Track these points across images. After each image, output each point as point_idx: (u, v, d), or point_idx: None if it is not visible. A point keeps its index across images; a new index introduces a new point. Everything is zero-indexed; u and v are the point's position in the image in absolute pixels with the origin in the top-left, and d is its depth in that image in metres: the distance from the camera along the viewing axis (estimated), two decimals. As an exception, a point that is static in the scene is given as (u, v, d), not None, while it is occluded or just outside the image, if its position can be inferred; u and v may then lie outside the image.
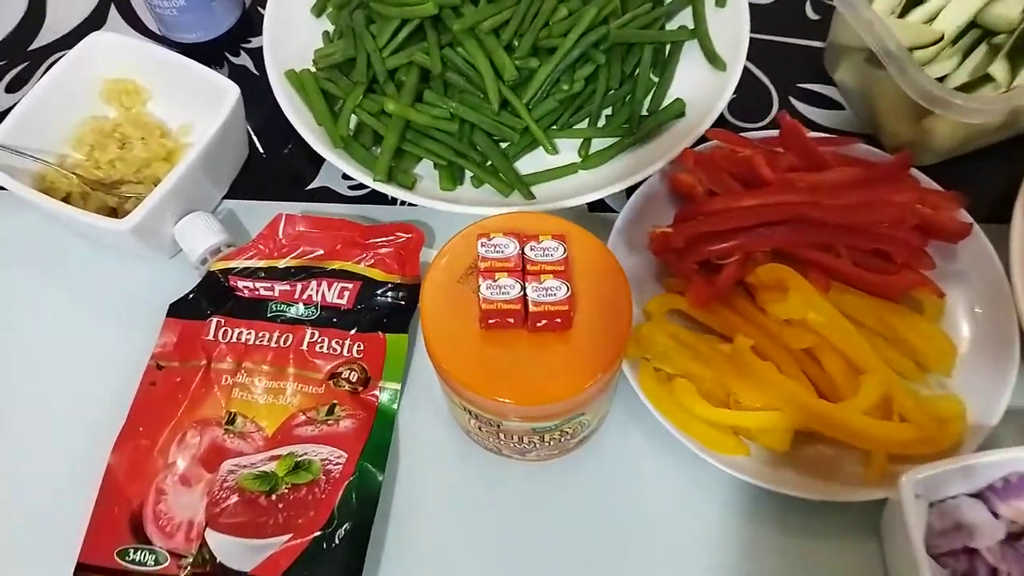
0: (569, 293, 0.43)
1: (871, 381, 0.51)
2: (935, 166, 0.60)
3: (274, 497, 0.52)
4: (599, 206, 0.64)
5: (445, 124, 0.62)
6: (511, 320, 0.44)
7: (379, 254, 0.60)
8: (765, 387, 0.51)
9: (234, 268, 0.60)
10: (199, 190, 0.62)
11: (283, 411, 0.56)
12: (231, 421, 0.55)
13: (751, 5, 0.66)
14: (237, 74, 0.72)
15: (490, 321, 0.44)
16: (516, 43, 0.63)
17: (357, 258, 0.60)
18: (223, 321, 0.59)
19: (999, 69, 0.55)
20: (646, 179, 0.60)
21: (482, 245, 0.45)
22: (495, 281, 0.44)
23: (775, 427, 0.51)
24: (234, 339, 0.58)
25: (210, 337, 0.58)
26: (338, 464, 0.53)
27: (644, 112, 0.65)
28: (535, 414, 0.45)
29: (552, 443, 0.50)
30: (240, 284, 0.60)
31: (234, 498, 0.52)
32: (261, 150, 0.68)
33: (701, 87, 0.65)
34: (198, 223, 0.60)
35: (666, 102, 0.65)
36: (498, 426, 0.47)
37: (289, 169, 0.67)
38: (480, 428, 0.49)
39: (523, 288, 0.43)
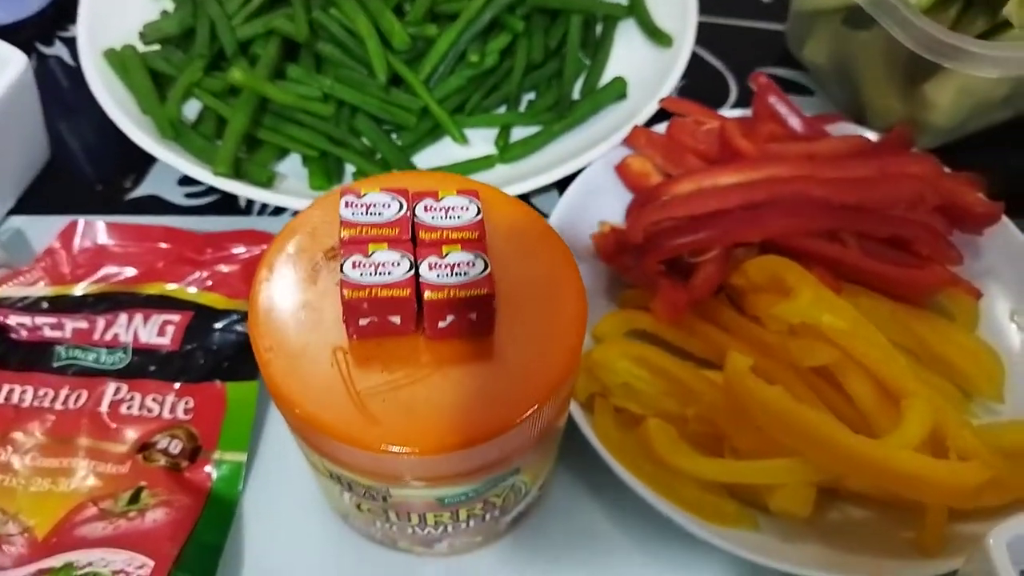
0: (487, 271, 0.27)
1: (916, 407, 0.36)
2: (933, 152, 0.48)
3: (32, 637, 0.33)
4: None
5: (316, 106, 0.47)
6: (395, 319, 0.27)
7: (219, 273, 0.43)
8: (776, 425, 0.35)
9: (4, 298, 0.42)
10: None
11: (64, 501, 0.37)
12: (-22, 520, 0.36)
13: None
14: (49, 67, 0.55)
15: (361, 323, 0.27)
16: (408, 7, 0.49)
17: (187, 279, 0.43)
18: (-15, 374, 0.40)
19: (1016, 8, 0.43)
20: (582, 170, 0.45)
21: (347, 205, 0.29)
22: (368, 257, 0.27)
23: (794, 480, 0.35)
24: (1, 400, 0.39)
25: (-39, 398, 0.39)
26: (138, 580, 0.34)
27: (576, 97, 0.51)
28: (441, 471, 0.28)
29: (471, 524, 0.33)
30: (13, 321, 0.41)
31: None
32: (68, 152, 0.51)
33: (644, 69, 0.52)
34: (-47, 236, 0.42)
35: (602, 84, 0.52)
36: (384, 499, 0.30)
37: (103, 175, 0.50)
38: (359, 505, 0.32)
39: (413, 265, 0.27)
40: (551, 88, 0.51)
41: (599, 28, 0.55)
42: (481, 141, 0.50)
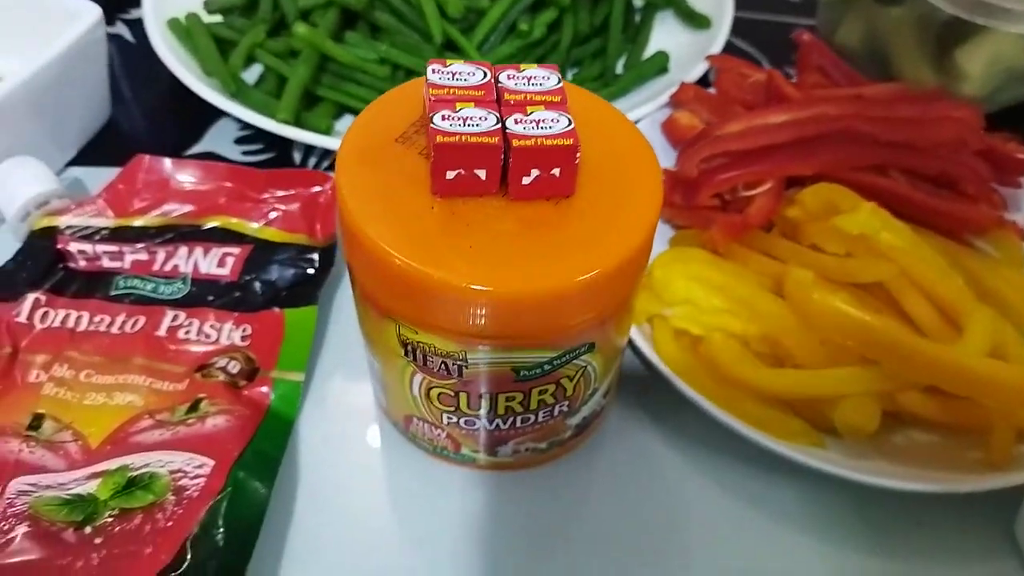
0: (572, 126, 0.28)
1: (979, 319, 0.36)
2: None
3: (89, 530, 0.32)
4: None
5: (373, 68, 0.49)
6: (481, 173, 0.28)
7: (279, 209, 0.44)
8: (843, 332, 0.35)
9: (66, 227, 0.42)
10: (24, 138, 0.45)
11: (119, 413, 0.36)
12: (35, 426, 0.36)
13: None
14: (110, 45, 0.57)
15: (448, 175, 0.28)
16: (462, -19, 0.52)
17: (248, 215, 0.44)
18: (43, 299, 0.40)
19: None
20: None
21: (433, 72, 0.30)
22: (455, 112, 0.28)
23: (860, 389, 0.35)
24: (57, 323, 0.40)
25: (22, 319, 0.39)
26: (198, 478, 0.34)
27: (619, 72, 0.53)
28: (518, 326, 0.28)
29: (540, 417, 0.33)
30: (74, 248, 0.42)
31: (21, 530, 0.32)
32: (129, 116, 0.52)
33: (682, 52, 0.54)
34: (19, 168, 0.43)
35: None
36: (460, 371, 0.30)
37: (164, 133, 0.51)
38: (430, 392, 0.32)
39: (500, 121, 0.28)
40: (596, 62, 0.53)
41: (638, 17, 0.57)
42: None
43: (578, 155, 0.28)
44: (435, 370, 0.30)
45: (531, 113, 0.28)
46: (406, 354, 0.31)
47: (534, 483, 0.36)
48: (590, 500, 0.36)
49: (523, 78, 0.30)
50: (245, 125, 0.51)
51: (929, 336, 0.37)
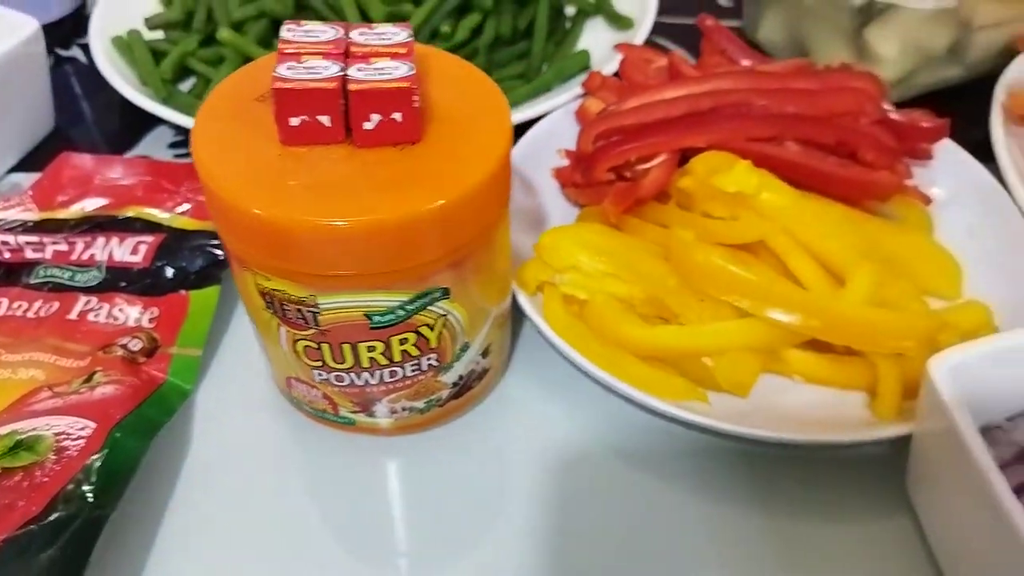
0: (413, 71, 0.29)
1: (862, 271, 0.36)
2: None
3: (-30, 488, 0.33)
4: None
5: (298, 71, 0.51)
6: (325, 119, 0.29)
7: (193, 200, 0.45)
8: (728, 288, 0.35)
9: (-8, 221, 0.44)
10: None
11: (21, 387, 0.37)
12: (-67, 398, 0.37)
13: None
14: (64, 67, 0.60)
15: (292, 122, 0.29)
16: (387, -12, 0.54)
17: (162, 205, 0.45)
18: (-38, 287, 0.42)
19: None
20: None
21: (288, 31, 0.31)
22: (301, 63, 0.29)
23: (743, 343, 0.35)
24: (-29, 310, 0.41)
25: (-63, 306, 0.41)
26: (79, 439, 0.34)
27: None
28: (365, 264, 0.29)
29: (407, 371, 0.33)
30: (-2, 240, 0.44)
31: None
32: (73, 127, 0.55)
33: (609, 51, 0.55)
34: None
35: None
36: (315, 319, 0.30)
37: (105, 141, 0.54)
38: (296, 344, 0.32)
39: (343, 69, 0.29)
40: (520, 63, 0.54)
41: (569, 24, 0.59)
42: (453, 108, 0.53)
43: (415, 98, 0.29)
44: (292, 319, 0.31)
45: (374, 63, 0.30)
46: (267, 306, 0.31)
47: (416, 448, 0.37)
48: (475, 465, 0.36)
49: (374, 34, 0.31)
50: (178, 130, 0.53)
51: (814, 292, 0.36)
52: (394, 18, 0.53)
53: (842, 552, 0.34)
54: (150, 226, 0.44)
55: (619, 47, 0.50)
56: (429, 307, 0.31)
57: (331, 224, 0.27)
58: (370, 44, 0.30)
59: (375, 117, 0.29)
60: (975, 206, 0.43)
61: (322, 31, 0.31)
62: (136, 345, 0.40)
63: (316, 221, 0.27)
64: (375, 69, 0.29)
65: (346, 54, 0.30)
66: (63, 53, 0.61)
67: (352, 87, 0.28)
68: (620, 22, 0.57)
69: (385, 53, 0.30)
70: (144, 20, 0.55)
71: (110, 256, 0.43)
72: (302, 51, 0.30)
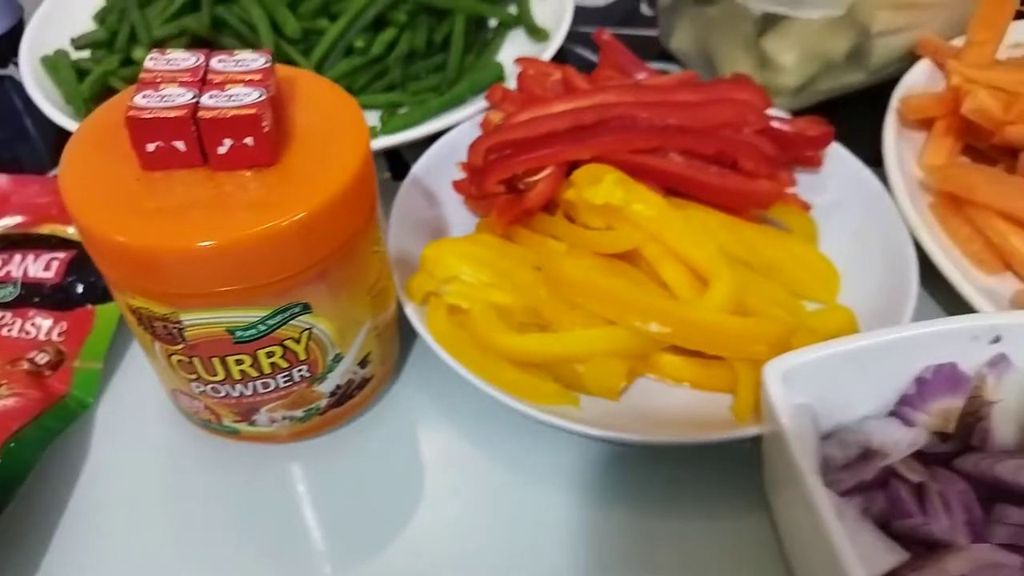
0: (263, 97, 0.31)
1: (722, 279, 0.37)
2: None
3: None
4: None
5: (215, 88, 0.52)
6: (180, 145, 0.30)
7: (106, 216, 0.47)
8: (587, 295, 0.37)
9: (-94, 241, 0.46)
10: None
11: (-75, 401, 0.39)
12: None
13: (586, 8, 0.61)
14: (4, 85, 0.62)
15: (148, 148, 0.30)
16: (303, 6, 0.55)
17: (76, 221, 0.47)
18: None
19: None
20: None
21: (151, 59, 0.33)
22: (157, 91, 0.31)
23: (607, 349, 0.36)
24: None
25: None
26: (-29, 452, 0.36)
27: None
28: (220, 280, 0.30)
29: (280, 381, 0.34)
30: (-88, 260, 0.45)
31: None
32: (6, 148, 0.57)
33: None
34: None
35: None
36: (182, 335, 0.32)
37: (47, 154, 0.56)
38: (170, 357, 0.34)
39: (197, 96, 0.31)
40: (436, 75, 0.56)
41: (490, 36, 0.60)
42: (372, 120, 0.54)
43: (265, 123, 0.30)
44: (161, 335, 0.33)
45: (228, 90, 0.31)
46: (139, 322, 0.33)
47: (308, 453, 0.38)
48: (355, 472, 0.38)
49: (232, 61, 0.33)
50: (104, 147, 0.55)
51: (681, 299, 0.38)
52: (309, 33, 0.54)
53: (705, 549, 0.35)
54: (64, 243, 0.46)
55: (518, 61, 0.51)
56: (291, 321, 0.32)
57: (182, 245, 0.29)
58: (227, 71, 0.32)
59: (227, 142, 0.30)
60: (860, 211, 0.45)
61: (184, 59, 0.33)
62: (43, 359, 0.41)
63: (166, 243, 0.29)
64: (227, 96, 0.31)
65: (203, 81, 0.32)
66: (3, 72, 0.63)
67: (202, 115, 0.30)
68: (537, 34, 0.58)
69: (240, 80, 0.32)
70: (71, 40, 0.57)
71: (25, 272, 0.45)
72: (159, 79, 0.31)
